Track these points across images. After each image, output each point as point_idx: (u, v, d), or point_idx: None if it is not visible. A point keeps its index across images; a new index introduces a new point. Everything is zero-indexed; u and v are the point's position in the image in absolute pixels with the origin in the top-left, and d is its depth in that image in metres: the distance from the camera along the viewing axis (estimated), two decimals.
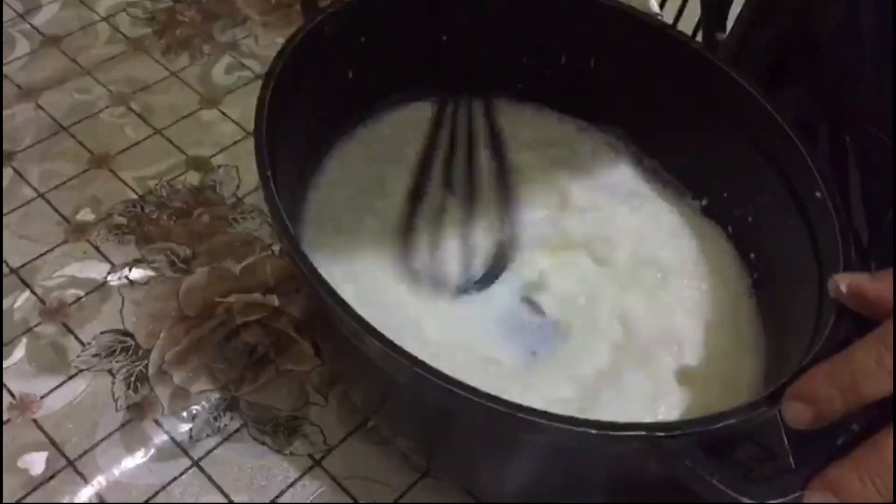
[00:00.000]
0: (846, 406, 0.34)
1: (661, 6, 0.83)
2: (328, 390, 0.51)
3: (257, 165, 0.42)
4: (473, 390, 0.37)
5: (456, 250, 0.52)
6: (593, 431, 0.36)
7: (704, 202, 0.55)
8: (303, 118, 0.51)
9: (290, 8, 0.73)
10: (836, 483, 0.33)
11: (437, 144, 0.56)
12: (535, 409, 0.37)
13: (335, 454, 0.48)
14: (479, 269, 0.51)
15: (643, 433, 0.36)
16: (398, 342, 0.38)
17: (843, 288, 0.38)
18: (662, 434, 0.36)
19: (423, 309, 0.49)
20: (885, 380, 0.34)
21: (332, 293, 0.39)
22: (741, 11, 0.62)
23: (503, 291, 0.51)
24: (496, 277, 0.51)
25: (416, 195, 0.53)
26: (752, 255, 0.52)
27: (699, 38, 0.69)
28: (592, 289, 0.50)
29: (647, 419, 0.46)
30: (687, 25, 0.76)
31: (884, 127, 0.49)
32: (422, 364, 0.38)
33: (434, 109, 0.58)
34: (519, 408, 0.37)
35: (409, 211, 0.52)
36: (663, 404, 0.46)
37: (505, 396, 0.37)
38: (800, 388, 0.35)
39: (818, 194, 0.46)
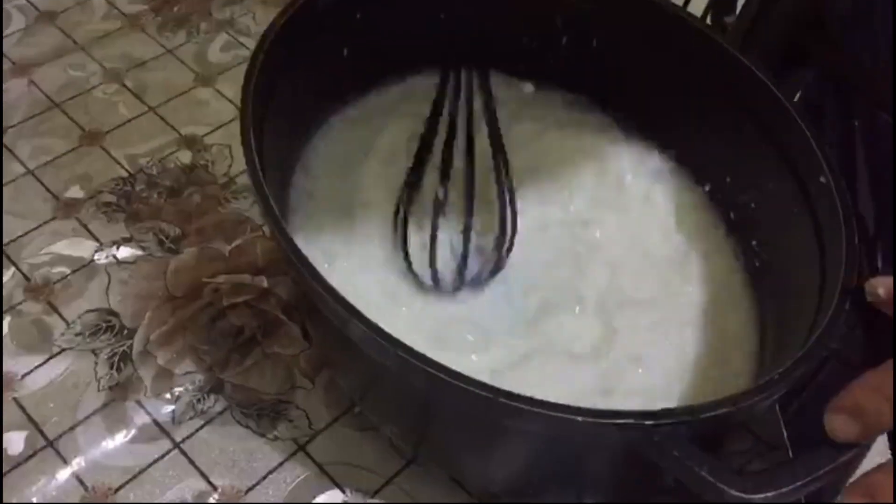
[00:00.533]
0: (894, 419, 0.33)
1: None
2: (315, 374, 0.50)
3: (243, 148, 0.41)
4: (459, 375, 0.36)
5: (450, 246, 0.50)
6: (579, 419, 0.35)
7: (707, 187, 0.53)
8: (295, 97, 0.49)
9: None
10: (875, 487, 0.32)
11: (436, 127, 0.53)
12: (520, 396, 0.35)
13: (320, 439, 0.47)
14: (475, 269, 0.49)
15: (631, 421, 0.35)
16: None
17: (882, 292, 0.37)
18: (651, 423, 0.35)
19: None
20: None
21: (318, 277, 0.38)
22: None
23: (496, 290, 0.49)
24: (492, 276, 0.49)
25: (412, 183, 0.51)
26: (753, 243, 0.50)
27: (708, 21, 0.67)
28: (582, 272, 0.49)
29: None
30: (696, 8, 0.74)
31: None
32: (406, 348, 0.37)
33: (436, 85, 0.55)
34: (504, 393, 0.35)
35: (406, 200, 0.50)
36: (654, 393, 0.45)
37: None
38: (845, 400, 0.34)
39: (823, 179, 0.44)
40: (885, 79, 0.50)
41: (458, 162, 0.52)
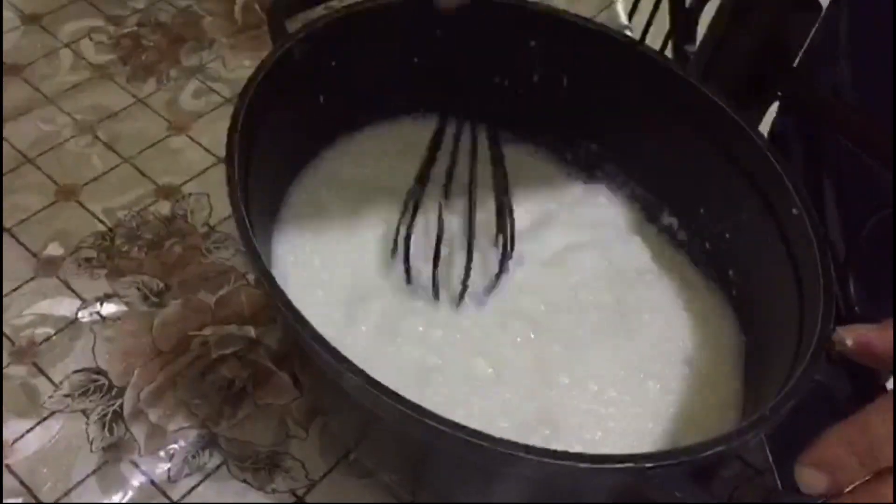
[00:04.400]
0: (864, 473, 0.33)
1: (630, 17, 0.82)
2: (308, 423, 0.50)
3: (231, 204, 0.41)
4: (459, 427, 0.36)
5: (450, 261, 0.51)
6: (581, 465, 0.35)
7: (680, 219, 0.54)
8: (274, 146, 0.50)
9: (257, 29, 0.72)
10: None
11: (436, 156, 0.57)
12: (519, 444, 0.36)
13: (318, 489, 0.48)
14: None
15: (631, 465, 0.36)
16: None
17: (850, 343, 0.38)
18: (651, 465, 0.35)
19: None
20: None
21: (312, 332, 0.39)
22: (711, 23, 0.62)
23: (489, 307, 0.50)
24: (489, 292, 0.51)
25: (415, 204, 0.53)
26: (729, 272, 0.52)
27: (669, 50, 0.69)
28: (566, 305, 0.51)
29: (628, 440, 0.46)
30: (656, 37, 0.76)
31: (861, 144, 0.49)
32: (404, 401, 0.37)
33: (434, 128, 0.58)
34: (504, 443, 0.36)
35: (409, 220, 0.52)
36: (642, 425, 0.46)
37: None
38: (816, 455, 0.34)
39: (795, 211, 0.46)
40: (853, 111, 0.52)
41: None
